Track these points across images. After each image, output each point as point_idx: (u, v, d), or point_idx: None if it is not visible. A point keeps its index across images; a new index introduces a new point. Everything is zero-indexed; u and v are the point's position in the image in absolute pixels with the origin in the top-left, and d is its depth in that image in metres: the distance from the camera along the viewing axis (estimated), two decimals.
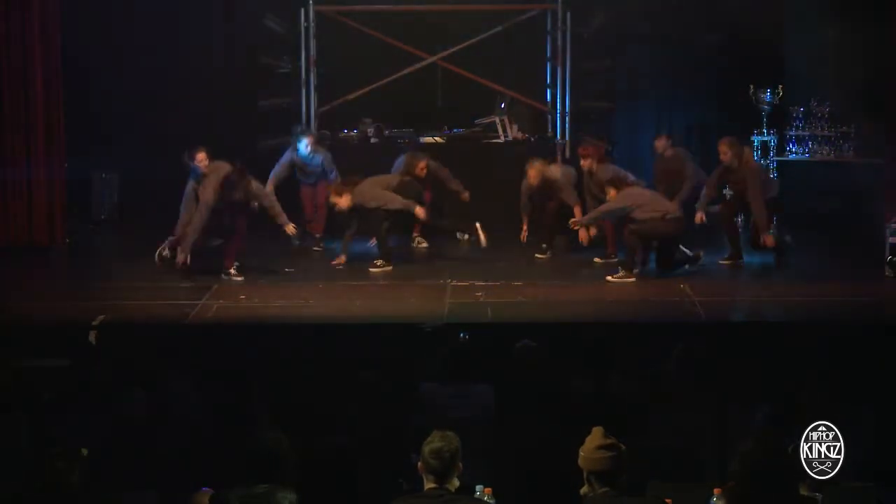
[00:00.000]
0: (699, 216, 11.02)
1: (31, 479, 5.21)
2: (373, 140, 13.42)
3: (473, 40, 13.52)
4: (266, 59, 13.42)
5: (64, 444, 5.45)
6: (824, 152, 12.87)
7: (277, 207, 10.90)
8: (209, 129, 12.99)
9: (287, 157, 12.01)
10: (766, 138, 12.84)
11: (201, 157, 10.69)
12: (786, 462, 4.79)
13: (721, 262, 11.17)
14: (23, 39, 12.28)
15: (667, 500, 5.09)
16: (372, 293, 10.35)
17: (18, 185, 12.41)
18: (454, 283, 10.49)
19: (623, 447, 4.93)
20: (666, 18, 13.41)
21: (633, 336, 8.58)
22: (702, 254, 10.96)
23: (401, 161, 12.03)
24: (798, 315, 9.52)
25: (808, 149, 12.94)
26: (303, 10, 13.36)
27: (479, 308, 9.73)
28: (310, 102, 13.50)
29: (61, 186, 12.59)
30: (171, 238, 10.91)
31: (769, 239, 10.83)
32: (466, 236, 11.87)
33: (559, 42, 13.61)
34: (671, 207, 10.73)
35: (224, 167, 10.62)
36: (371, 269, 11.05)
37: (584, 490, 4.94)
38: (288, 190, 11.99)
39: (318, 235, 12.13)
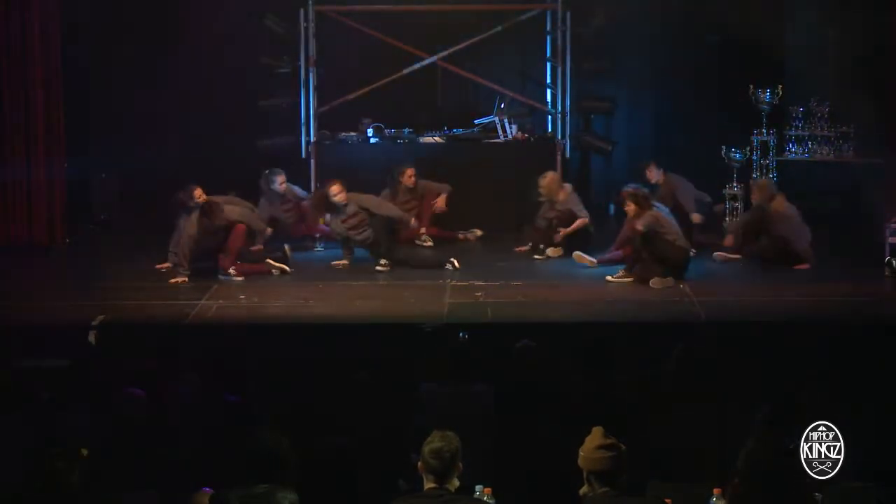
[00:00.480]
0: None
1: (31, 479, 5.21)
2: (372, 140, 13.42)
3: (473, 40, 13.50)
4: (266, 59, 13.41)
5: (64, 444, 5.46)
6: (824, 152, 12.85)
7: (255, 225, 11.14)
8: (209, 129, 13.01)
9: (264, 207, 11.96)
10: (765, 138, 12.83)
11: (199, 194, 10.98)
12: (788, 462, 4.79)
13: (717, 254, 11.27)
14: (23, 39, 12.28)
15: (666, 500, 5.09)
16: (372, 293, 10.34)
17: (18, 185, 12.42)
18: (454, 283, 10.50)
19: (623, 447, 4.93)
20: (666, 18, 13.40)
21: (633, 336, 8.59)
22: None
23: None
24: (798, 315, 9.51)
25: (808, 149, 12.93)
26: (302, 10, 13.35)
27: (479, 308, 9.73)
28: (309, 102, 13.49)
29: (61, 186, 12.60)
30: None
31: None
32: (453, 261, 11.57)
33: (559, 42, 13.59)
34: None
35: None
36: (377, 268, 11.08)
37: (583, 490, 4.94)
38: None
39: (317, 236, 12.13)
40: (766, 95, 12.70)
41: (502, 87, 13.55)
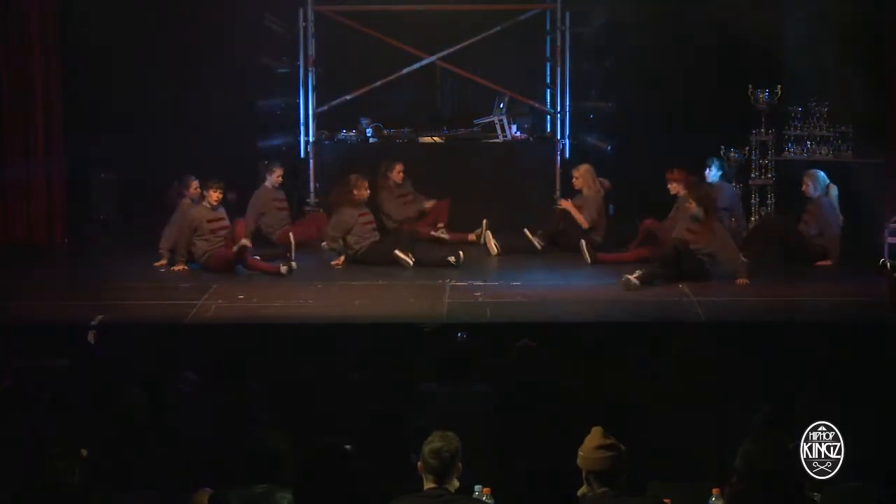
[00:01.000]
0: None
1: (31, 479, 5.20)
2: (372, 140, 13.42)
3: (473, 40, 13.50)
4: (265, 59, 13.41)
5: (64, 444, 5.45)
6: (823, 152, 12.85)
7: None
8: (208, 130, 13.00)
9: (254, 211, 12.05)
10: (764, 138, 12.82)
11: (194, 186, 11.22)
12: (787, 462, 4.79)
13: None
14: (22, 39, 12.28)
15: (666, 501, 5.09)
16: (371, 293, 10.34)
17: (18, 185, 12.42)
18: (453, 283, 10.50)
19: (623, 447, 4.93)
20: (665, 18, 13.39)
21: (633, 336, 8.59)
22: None
23: None
24: (798, 315, 9.52)
25: (807, 149, 12.92)
26: (302, 10, 13.35)
27: (479, 308, 9.73)
28: (308, 102, 13.49)
29: (61, 186, 12.60)
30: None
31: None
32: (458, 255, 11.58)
33: (559, 42, 13.60)
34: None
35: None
36: (396, 252, 11.19)
37: (583, 490, 4.94)
38: None
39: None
40: (765, 95, 12.70)
41: (502, 87, 13.55)
